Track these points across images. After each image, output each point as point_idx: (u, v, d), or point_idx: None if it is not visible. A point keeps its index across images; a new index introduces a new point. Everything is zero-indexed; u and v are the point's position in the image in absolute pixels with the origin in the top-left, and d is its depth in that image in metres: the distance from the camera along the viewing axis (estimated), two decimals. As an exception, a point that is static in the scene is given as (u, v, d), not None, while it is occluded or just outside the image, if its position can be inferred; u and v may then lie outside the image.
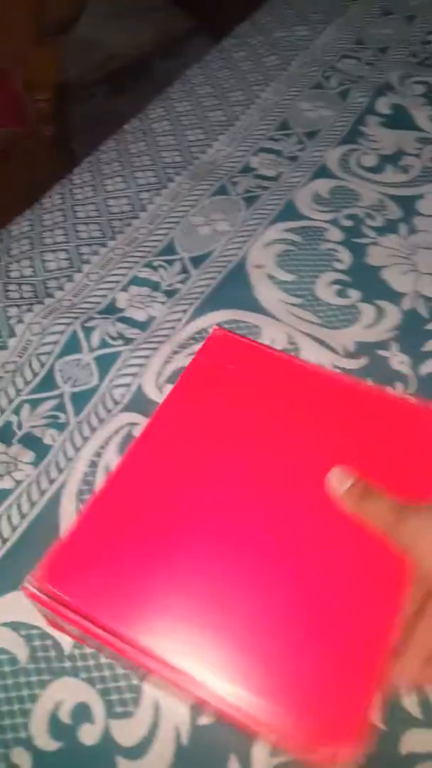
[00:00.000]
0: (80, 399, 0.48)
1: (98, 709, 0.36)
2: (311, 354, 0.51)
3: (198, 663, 0.29)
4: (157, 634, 0.30)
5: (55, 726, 0.35)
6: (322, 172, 0.66)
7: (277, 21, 0.88)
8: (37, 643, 0.38)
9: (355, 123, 0.72)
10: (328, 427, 0.37)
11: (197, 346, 0.51)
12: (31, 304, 0.54)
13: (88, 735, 0.35)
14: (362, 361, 0.51)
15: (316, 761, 0.28)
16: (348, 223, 0.61)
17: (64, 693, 0.36)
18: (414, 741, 0.35)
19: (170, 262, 0.58)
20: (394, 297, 0.56)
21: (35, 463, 0.45)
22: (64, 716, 0.36)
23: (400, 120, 0.72)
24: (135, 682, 0.36)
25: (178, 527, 0.33)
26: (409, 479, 0.35)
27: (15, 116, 1.03)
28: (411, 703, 0.36)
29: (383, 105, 0.74)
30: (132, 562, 0.31)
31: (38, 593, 0.30)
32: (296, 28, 0.86)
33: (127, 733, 0.35)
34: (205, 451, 0.35)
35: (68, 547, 0.32)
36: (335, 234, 0.60)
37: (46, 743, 0.35)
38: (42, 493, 0.44)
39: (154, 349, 0.51)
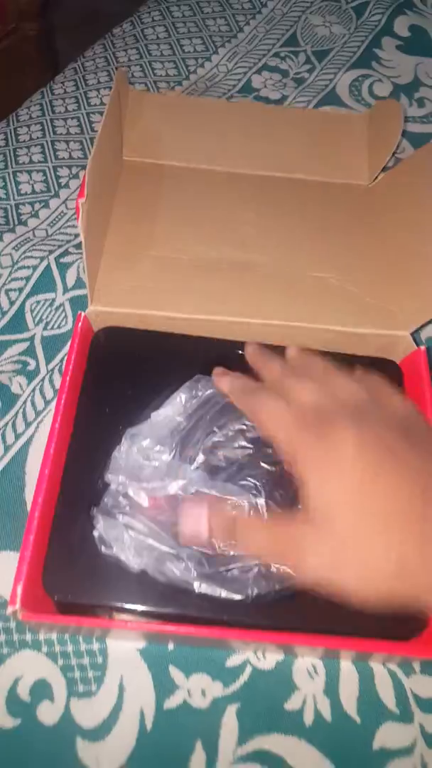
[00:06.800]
0: (53, 344, 0.41)
1: (59, 686, 0.32)
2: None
3: None
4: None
5: (13, 703, 0.31)
6: (330, 99, 0.56)
7: None
8: (-5, 613, 0.33)
9: (369, 44, 0.61)
10: None
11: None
12: (2, 232, 0.46)
13: (47, 714, 0.31)
14: None
15: None
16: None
17: (24, 668, 0.32)
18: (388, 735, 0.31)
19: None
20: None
21: (1, 415, 0.39)
22: (23, 693, 0.31)
23: (419, 44, 0.62)
24: (99, 660, 0.32)
25: None
26: None
27: (-4, 10, 0.88)
28: (387, 697, 0.32)
29: (401, 25, 0.63)
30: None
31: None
32: None
33: (89, 713, 0.31)
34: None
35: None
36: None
37: (3, 720, 0.31)
38: (7, 448, 0.38)
39: (136, 292, 0.43)
